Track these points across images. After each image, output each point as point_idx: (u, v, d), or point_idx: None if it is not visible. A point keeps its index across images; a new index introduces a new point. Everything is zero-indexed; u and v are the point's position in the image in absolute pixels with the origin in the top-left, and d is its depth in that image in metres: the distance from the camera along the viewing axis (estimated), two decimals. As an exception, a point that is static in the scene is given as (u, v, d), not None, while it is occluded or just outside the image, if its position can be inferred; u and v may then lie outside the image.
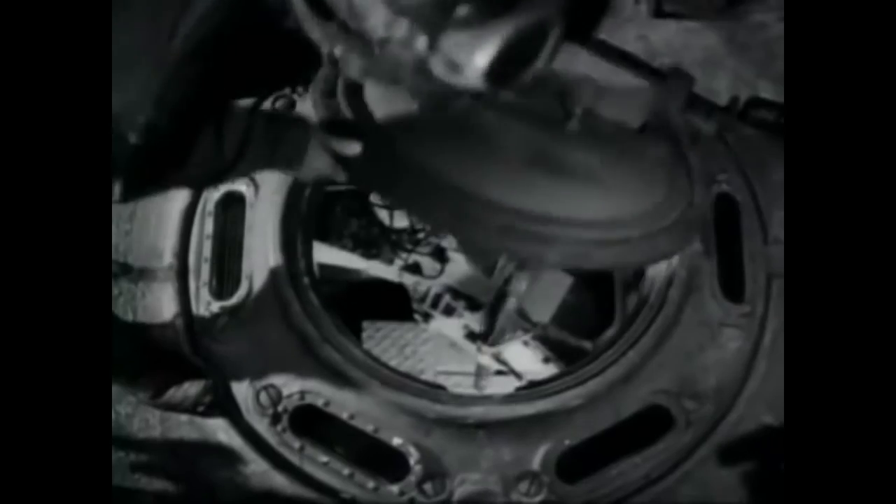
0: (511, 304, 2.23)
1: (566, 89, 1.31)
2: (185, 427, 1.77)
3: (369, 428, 1.74)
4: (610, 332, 2.27)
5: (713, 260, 1.86)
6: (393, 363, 2.49)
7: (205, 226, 1.91)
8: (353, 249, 2.49)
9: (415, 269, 2.48)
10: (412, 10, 0.88)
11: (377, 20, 0.90)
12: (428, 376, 2.04)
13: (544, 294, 2.48)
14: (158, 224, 1.92)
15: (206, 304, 1.85)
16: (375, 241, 2.48)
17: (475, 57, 0.89)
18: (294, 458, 1.74)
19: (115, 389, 1.76)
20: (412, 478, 1.71)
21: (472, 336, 2.63)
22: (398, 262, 2.46)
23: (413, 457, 1.72)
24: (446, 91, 0.97)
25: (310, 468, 1.74)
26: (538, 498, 1.70)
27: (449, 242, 2.42)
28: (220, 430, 1.76)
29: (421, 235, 2.40)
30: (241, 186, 1.91)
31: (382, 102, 1.43)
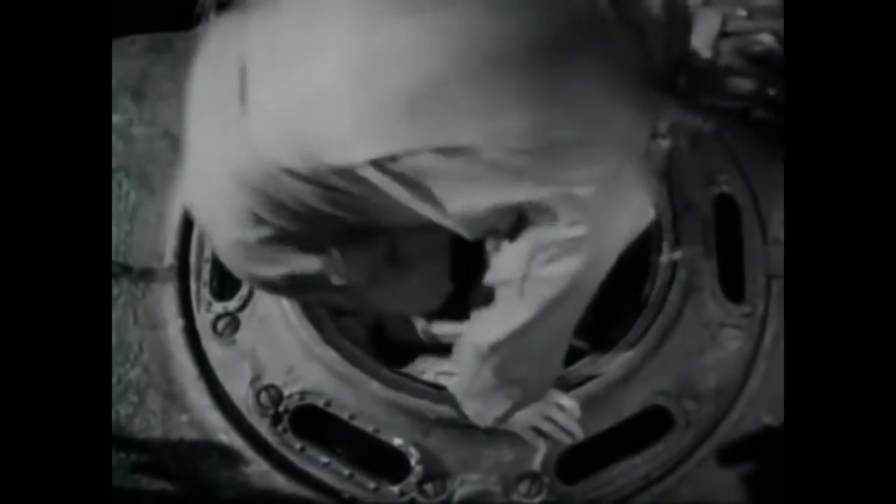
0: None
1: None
2: (185, 427, 1.77)
3: (370, 428, 1.74)
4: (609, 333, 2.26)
5: (713, 260, 1.86)
6: (393, 363, 2.49)
7: (205, 226, 1.91)
8: (353, 250, 2.49)
9: (415, 269, 2.47)
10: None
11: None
12: (428, 377, 2.03)
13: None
14: (159, 224, 1.92)
15: (206, 305, 1.85)
16: (375, 242, 2.47)
17: None
18: (295, 459, 1.74)
19: (116, 390, 1.76)
20: (412, 478, 1.71)
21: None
22: (398, 263, 2.45)
23: (413, 457, 1.72)
24: None
25: (310, 469, 1.74)
26: (538, 498, 1.70)
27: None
28: (220, 431, 1.76)
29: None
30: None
31: None
